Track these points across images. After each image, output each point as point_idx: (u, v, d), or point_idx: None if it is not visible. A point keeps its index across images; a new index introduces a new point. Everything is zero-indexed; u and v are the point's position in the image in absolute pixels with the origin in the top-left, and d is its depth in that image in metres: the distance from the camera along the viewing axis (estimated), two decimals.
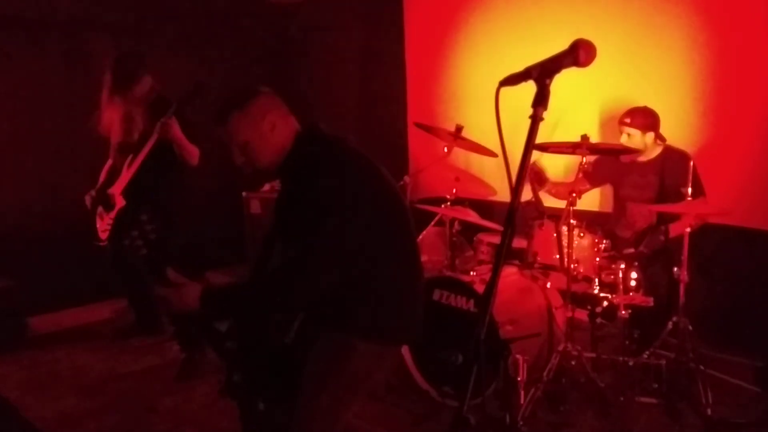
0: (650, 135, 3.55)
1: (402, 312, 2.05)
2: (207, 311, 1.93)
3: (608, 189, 3.99)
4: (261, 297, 1.91)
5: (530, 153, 1.30)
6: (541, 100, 1.30)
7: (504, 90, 1.37)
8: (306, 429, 1.98)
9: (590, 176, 3.77)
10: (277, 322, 2.04)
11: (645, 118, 3.54)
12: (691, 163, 3.14)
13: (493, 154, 3.79)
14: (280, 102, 2.05)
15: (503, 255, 1.28)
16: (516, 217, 1.32)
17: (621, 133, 3.59)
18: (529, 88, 1.37)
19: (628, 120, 3.56)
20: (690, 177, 3.09)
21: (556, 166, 4.09)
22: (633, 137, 3.54)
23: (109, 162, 3.80)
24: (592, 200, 4.17)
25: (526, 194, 3.37)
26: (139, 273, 3.91)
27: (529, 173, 3.52)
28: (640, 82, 3.97)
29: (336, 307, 1.96)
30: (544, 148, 3.25)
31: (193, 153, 3.53)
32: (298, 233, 1.91)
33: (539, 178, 3.60)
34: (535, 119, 1.30)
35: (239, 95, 2.00)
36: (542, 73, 1.30)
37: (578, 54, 1.28)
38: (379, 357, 2.05)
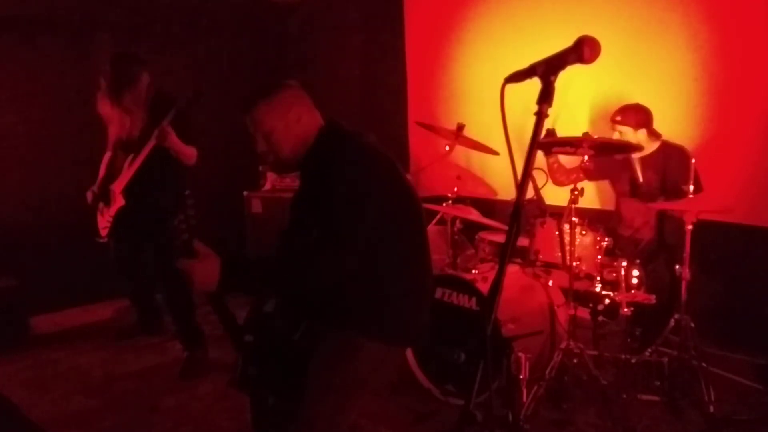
0: (642, 132, 3.55)
1: (409, 312, 2.05)
2: (225, 286, 1.89)
3: (609, 186, 3.99)
4: (280, 275, 1.91)
5: (535, 150, 1.31)
6: (546, 97, 1.31)
7: (506, 87, 1.38)
8: (312, 427, 1.98)
9: (590, 173, 3.78)
10: (285, 319, 2.04)
11: (636, 115, 3.54)
12: (693, 160, 3.14)
13: (494, 152, 3.79)
14: (306, 96, 2.08)
15: (509, 252, 1.28)
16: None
17: (613, 131, 3.59)
18: (532, 85, 1.38)
19: (619, 118, 3.56)
20: (692, 174, 3.09)
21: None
22: (625, 135, 3.54)
23: (108, 154, 3.79)
24: (593, 198, 4.17)
25: (529, 192, 3.37)
26: (142, 270, 3.92)
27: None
28: (639, 79, 3.97)
29: (344, 304, 1.97)
30: (548, 145, 3.25)
31: (189, 155, 3.54)
32: (317, 222, 1.91)
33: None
34: (540, 116, 1.31)
35: (267, 85, 2.04)
36: (547, 70, 1.31)
37: (583, 51, 1.28)
38: (384, 356, 2.04)
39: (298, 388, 1.98)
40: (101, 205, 3.70)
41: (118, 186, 3.58)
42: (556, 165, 3.81)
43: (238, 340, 2.07)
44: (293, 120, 2.01)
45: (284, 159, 2.06)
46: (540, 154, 3.73)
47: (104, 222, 3.67)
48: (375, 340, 1.99)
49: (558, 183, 3.82)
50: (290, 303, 2.07)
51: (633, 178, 3.65)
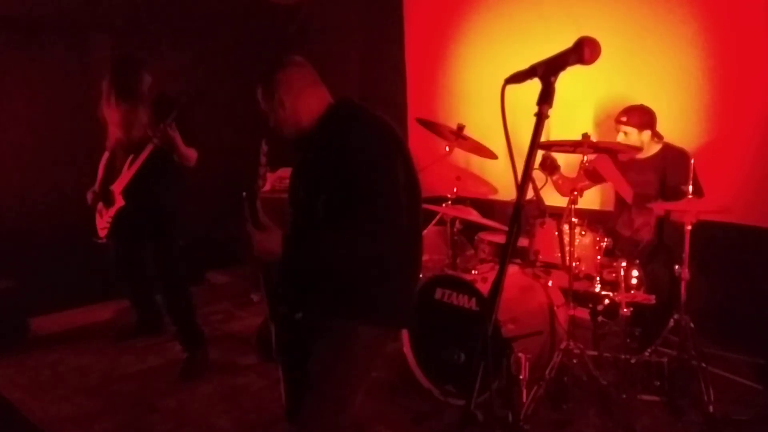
0: (647, 133, 3.57)
1: (402, 294, 2.09)
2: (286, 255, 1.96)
3: (610, 187, 3.99)
4: (330, 249, 1.93)
5: (535, 150, 1.31)
6: (546, 98, 1.31)
7: (507, 88, 1.38)
8: (317, 417, 2.00)
9: (591, 174, 3.78)
10: (287, 299, 2.08)
11: (641, 117, 3.56)
12: (692, 161, 3.15)
13: (493, 156, 3.79)
14: (313, 70, 2.15)
15: (510, 252, 1.29)
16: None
17: (617, 131, 3.60)
18: (531, 86, 1.38)
19: (624, 118, 3.57)
20: (691, 175, 3.10)
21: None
22: (630, 135, 3.56)
23: (106, 154, 3.78)
24: (593, 198, 4.17)
25: (528, 193, 3.37)
26: (142, 271, 3.91)
27: (542, 160, 3.57)
28: (639, 80, 3.98)
29: (339, 289, 1.99)
30: (548, 146, 3.25)
31: (190, 156, 3.54)
32: (331, 193, 1.94)
33: (551, 165, 3.60)
34: (541, 117, 1.31)
35: (279, 59, 2.11)
36: (547, 71, 1.31)
37: (583, 51, 1.29)
38: (379, 340, 2.09)
39: (302, 367, 2.02)
40: (100, 205, 3.70)
41: (117, 187, 3.58)
42: (560, 181, 3.80)
43: (274, 309, 2.11)
44: (309, 90, 2.09)
45: (301, 129, 2.10)
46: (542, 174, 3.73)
47: (103, 223, 3.67)
48: (370, 325, 2.02)
49: (565, 195, 3.79)
50: (288, 287, 2.09)
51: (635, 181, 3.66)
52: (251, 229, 1.95)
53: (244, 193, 2.00)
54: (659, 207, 3.43)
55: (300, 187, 2.14)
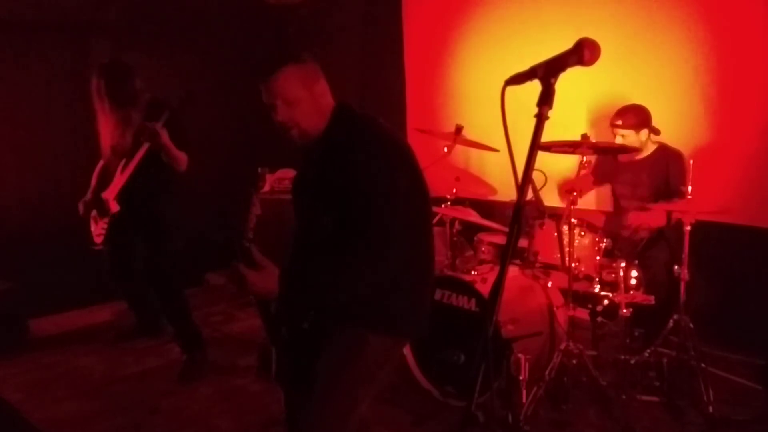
0: (644, 132, 3.56)
1: (413, 305, 2.04)
2: (284, 295, 1.87)
3: (607, 188, 4.00)
4: (336, 283, 1.85)
5: (536, 151, 1.31)
6: (546, 99, 1.31)
7: (506, 89, 1.39)
8: (321, 423, 1.97)
9: (594, 176, 3.79)
10: (293, 309, 2.03)
11: (635, 117, 3.55)
12: (691, 161, 3.15)
13: (494, 150, 3.80)
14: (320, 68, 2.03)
15: (510, 253, 1.29)
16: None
17: (614, 135, 3.58)
18: (531, 87, 1.38)
19: (619, 122, 3.55)
20: (689, 175, 3.11)
21: (557, 164, 4.10)
22: (627, 137, 3.54)
23: (100, 164, 3.77)
24: (590, 199, 4.17)
25: (528, 193, 3.36)
26: (137, 275, 3.89)
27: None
28: (637, 81, 3.98)
29: (350, 299, 1.94)
30: (547, 147, 3.25)
31: (181, 159, 3.49)
32: (333, 211, 1.88)
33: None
34: (541, 118, 1.32)
35: (294, 52, 1.97)
36: (547, 72, 1.31)
37: (583, 53, 1.29)
38: (389, 350, 2.05)
39: (307, 378, 1.98)
40: (94, 213, 3.67)
41: (111, 192, 3.55)
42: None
43: (274, 334, 2.05)
44: (319, 92, 1.97)
45: (305, 131, 1.97)
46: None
47: (99, 229, 3.63)
48: (381, 335, 1.99)
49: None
50: (296, 298, 2.01)
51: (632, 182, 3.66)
52: (245, 270, 1.84)
53: (246, 244, 1.87)
54: (659, 208, 3.44)
55: (305, 203, 2.08)
